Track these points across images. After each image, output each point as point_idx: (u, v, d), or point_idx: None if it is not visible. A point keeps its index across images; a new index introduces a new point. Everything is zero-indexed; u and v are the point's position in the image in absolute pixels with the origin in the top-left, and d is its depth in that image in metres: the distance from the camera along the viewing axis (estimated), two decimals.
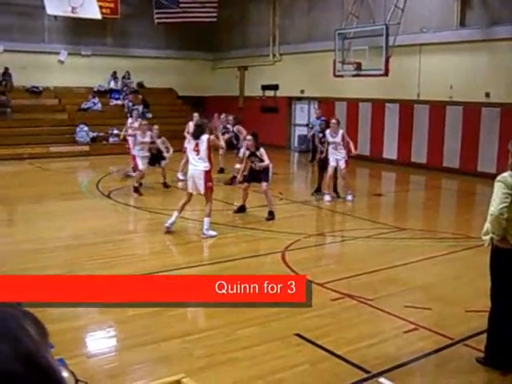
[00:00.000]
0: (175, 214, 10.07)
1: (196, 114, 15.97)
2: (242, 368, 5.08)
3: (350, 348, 5.44)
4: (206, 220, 9.89)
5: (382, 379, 4.90)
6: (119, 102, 25.73)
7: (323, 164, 13.85)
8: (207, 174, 9.79)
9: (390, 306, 6.60)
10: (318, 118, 18.58)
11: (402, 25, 17.59)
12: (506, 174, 4.92)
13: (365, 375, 4.94)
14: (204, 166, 9.76)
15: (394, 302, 6.79)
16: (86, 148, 22.27)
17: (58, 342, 5.43)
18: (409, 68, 19.13)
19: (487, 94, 17.24)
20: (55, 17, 23.88)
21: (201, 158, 9.78)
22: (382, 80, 18.30)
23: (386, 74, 17.73)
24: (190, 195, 10.12)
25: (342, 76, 19.49)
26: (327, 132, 13.62)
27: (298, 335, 5.72)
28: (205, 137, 9.82)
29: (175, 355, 5.35)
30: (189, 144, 10.28)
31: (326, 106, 22.44)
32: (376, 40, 17.91)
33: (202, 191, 9.87)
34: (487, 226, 4.98)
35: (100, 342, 5.88)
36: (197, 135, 9.94)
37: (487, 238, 5.01)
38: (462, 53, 17.94)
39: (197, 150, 9.83)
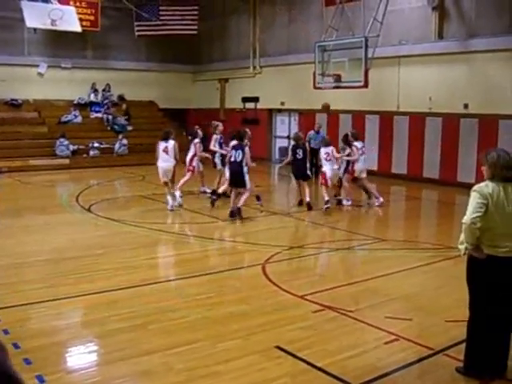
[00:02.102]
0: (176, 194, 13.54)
1: (217, 122, 15.91)
2: (223, 381, 5.05)
3: (331, 360, 5.44)
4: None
5: None
6: (99, 115, 25.66)
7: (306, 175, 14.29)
8: (174, 167, 13.31)
9: (371, 317, 6.61)
10: (317, 132, 18.70)
11: (381, 37, 17.76)
12: (482, 184, 4.98)
13: None
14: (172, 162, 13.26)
15: (374, 313, 6.80)
16: (66, 161, 22.14)
17: (37, 359, 5.40)
18: (388, 80, 19.30)
19: (465, 106, 17.43)
20: (34, 29, 23.76)
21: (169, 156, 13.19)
22: (361, 92, 18.42)
23: (366, 85, 17.85)
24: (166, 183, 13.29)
25: (321, 88, 19.58)
26: (322, 149, 14.01)
27: (279, 348, 5.70)
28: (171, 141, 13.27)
29: (156, 369, 5.31)
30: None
31: (307, 118, 22.55)
32: (355, 52, 18.04)
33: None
34: (462, 235, 5.03)
35: (80, 356, 5.82)
36: (164, 139, 13.34)
37: (462, 247, 5.05)
38: (441, 64, 18.14)
39: (166, 151, 13.22)
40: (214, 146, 15.31)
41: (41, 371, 5.14)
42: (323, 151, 13.80)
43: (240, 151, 12.60)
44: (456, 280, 7.35)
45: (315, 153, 16.88)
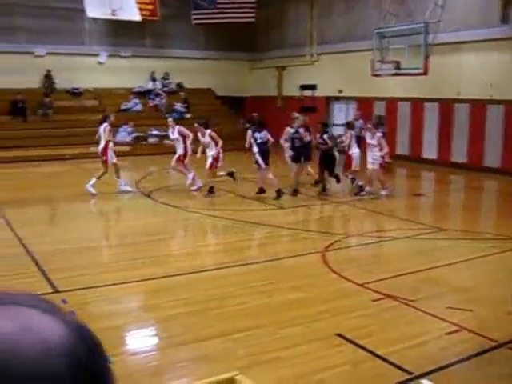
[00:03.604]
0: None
1: (297, 114, 15.37)
2: (285, 367, 5.12)
3: (392, 349, 5.44)
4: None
5: (424, 381, 4.90)
6: (157, 103, 26.03)
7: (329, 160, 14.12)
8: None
9: (432, 307, 6.57)
10: (357, 120, 18.53)
11: (442, 22, 17.41)
12: None
13: (407, 376, 4.94)
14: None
15: (435, 303, 6.75)
16: (126, 148, 22.53)
17: None
18: (448, 66, 18.91)
19: None
20: (95, 19, 24.24)
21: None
22: (421, 79, 18.15)
23: (425, 72, 17.58)
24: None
25: (380, 75, 19.38)
26: (367, 134, 14.19)
27: (340, 335, 5.73)
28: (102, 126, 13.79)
29: (217, 354, 5.41)
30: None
31: (365, 105, 22.35)
32: (415, 38, 17.77)
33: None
34: None
35: (141, 340, 5.98)
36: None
37: None
38: (504, 50, 17.66)
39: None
40: (284, 140, 14.85)
41: None
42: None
43: (263, 133, 13.60)
44: None
45: (356, 140, 16.77)
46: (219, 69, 27.49)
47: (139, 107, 25.47)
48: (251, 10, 26.01)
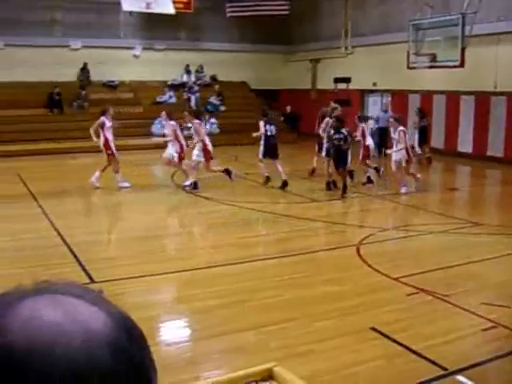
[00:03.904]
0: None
1: (335, 105, 15.16)
2: (318, 360, 5.14)
3: (427, 344, 5.40)
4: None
5: (459, 377, 4.86)
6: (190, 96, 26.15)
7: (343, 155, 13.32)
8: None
9: (467, 302, 6.51)
10: (385, 112, 18.36)
11: (479, 13, 17.14)
12: None
13: (442, 372, 4.91)
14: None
15: (470, 298, 6.69)
16: (161, 140, 22.67)
17: None
18: (485, 58, 18.61)
19: None
20: (130, 12, 24.44)
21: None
22: (457, 71, 17.91)
23: (462, 65, 17.35)
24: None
25: (415, 68, 19.18)
26: (391, 128, 14.06)
27: (374, 329, 5.72)
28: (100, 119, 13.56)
29: (251, 346, 5.44)
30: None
31: (399, 98, 22.15)
32: (451, 30, 17.54)
33: None
34: None
35: (175, 331, 6.05)
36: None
37: None
38: None
39: None
40: (323, 131, 14.38)
41: None
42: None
43: (273, 126, 14.03)
44: None
45: (384, 132, 16.64)
46: (253, 62, 27.48)
47: (174, 100, 25.62)
48: (285, 3, 25.96)
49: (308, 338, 5.58)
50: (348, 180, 13.53)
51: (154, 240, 9.42)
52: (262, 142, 13.92)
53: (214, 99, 25.75)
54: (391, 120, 14.20)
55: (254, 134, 14.18)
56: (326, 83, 25.84)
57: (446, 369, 4.94)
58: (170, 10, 24.30)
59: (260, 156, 13.96)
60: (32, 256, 8.16)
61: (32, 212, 11.16)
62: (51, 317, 0.65)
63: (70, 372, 0.61)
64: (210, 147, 13.64)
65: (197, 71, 27.14)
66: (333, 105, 15.01)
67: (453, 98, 20.24)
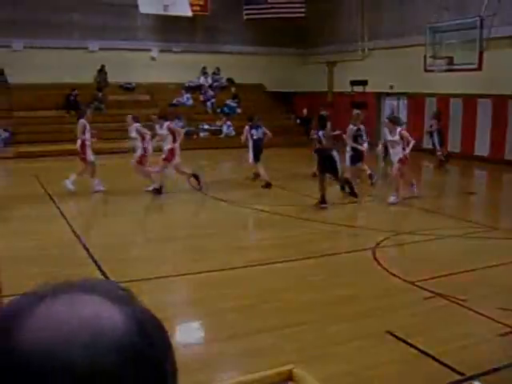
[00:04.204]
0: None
1: (358, 111, 14.96)
2: (335, 363, 5.14)
3: (443, 348, 5.38)
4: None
5: (476, 383, 4.84)
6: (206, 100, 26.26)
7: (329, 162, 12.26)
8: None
9: (483, 307, 6.46)
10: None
11: (497, 16, 17.04)
12: None
13: (458, 377, 4.89)
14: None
15: (487, 303, 6.64)
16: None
17: None
18: (503, 62, 18.47)
19: None
20: (147, 15, 24.58)
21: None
22: (474, 75, 17.82)
23: (480, 68, 17.27)
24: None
25: (433, 71, 19.11)
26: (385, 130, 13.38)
27: (390, 333, 5.72)
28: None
29: (267, 348, 5.45)
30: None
31: (416, 101, 22.09)
32: (469, 33, 17.46)
33: None
34: None
35: (190, 333, 6.08)
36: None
37: None
38: None
39: None
40: (348, 138, 14.00)
41: None
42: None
43: (260, 129, 14.55)
44: None
45: None
46: (270, 64, 27.50)
47: (191, 102, 25.73)
48: (302, 5, 25.99)
49: (324, 340, 5.59)
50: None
51: (171, 242, 9.47)
52: (250, 146, 14.48)
53: (230, 101, 25.82)
54: (386, 121, 13.54)
55: (242, 139, 14.75)
56: (342, 86, 25.82)
57: (462, 374, 4.92)
58: (187, 12, 24.42)
59: (250, 161, 14.53)
60: (49, 255, 8.24)
61: (50, 213, 11.27)
62: (62, 317, 0.65)
63: (67, 373, 0.61)
64: (177, 149, 13.61)
65: (213, 73, 27.23)
66: (355, 112, 14.77)
67: (470, 101, 20.12)
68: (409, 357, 5.27)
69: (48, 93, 23.25)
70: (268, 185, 14.07)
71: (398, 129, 12.64)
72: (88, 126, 13.67)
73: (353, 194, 12.77)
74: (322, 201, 12.02)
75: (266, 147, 14.99)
